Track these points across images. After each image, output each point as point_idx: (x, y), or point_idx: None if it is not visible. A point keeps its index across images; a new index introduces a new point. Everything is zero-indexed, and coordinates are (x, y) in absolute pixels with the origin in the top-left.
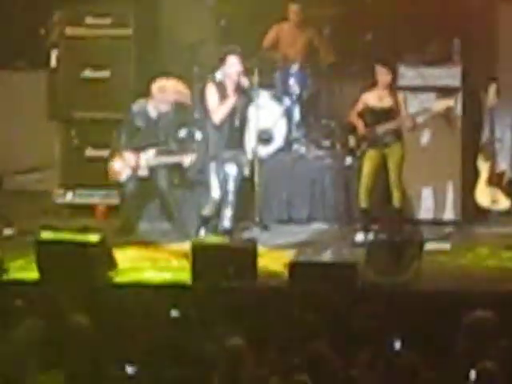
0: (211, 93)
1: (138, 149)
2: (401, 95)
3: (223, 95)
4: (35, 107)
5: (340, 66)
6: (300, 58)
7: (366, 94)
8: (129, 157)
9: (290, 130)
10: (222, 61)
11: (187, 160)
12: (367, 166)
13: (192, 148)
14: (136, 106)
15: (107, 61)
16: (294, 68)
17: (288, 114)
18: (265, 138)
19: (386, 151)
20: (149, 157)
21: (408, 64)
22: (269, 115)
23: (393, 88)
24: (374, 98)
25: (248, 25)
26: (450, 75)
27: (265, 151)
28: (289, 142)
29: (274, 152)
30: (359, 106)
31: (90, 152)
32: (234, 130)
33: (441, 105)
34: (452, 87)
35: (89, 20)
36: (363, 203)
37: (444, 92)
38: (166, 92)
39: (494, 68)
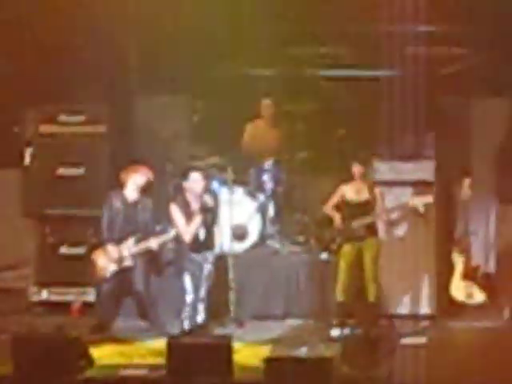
0: (177, 214)
1: (118, 240)
2: (377, 189)
3: (188, 213)
4: (9, 205)
5: (314, 161)
6: (274, 154)
7: (343, 187)
8: (112, 250)
9: (264, 226)
10: (184, 175)
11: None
12: (343, 261)
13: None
14: (113, 195)
15: (81, 158)
16: (268, 164)
17: (262, 209)
18: (239, 233)
19: (362, 245)
20: (129, 246)
21: (381, 158)
22: (243, 211)
23: (369, 182)
24: (352, 191)
25: (222, 121)
26: (423, 169)
27: (239, 247)
28: (263, 238)
29: (248, 248)
30: (335, 199)
31: (64, 249)
32: (198, 243)
33: (419, 201)
34: (425, 181)
35: (62, 118)
36: (340, 297)
37: (418, 186)
38: (138, 176)
39: (467, 162)
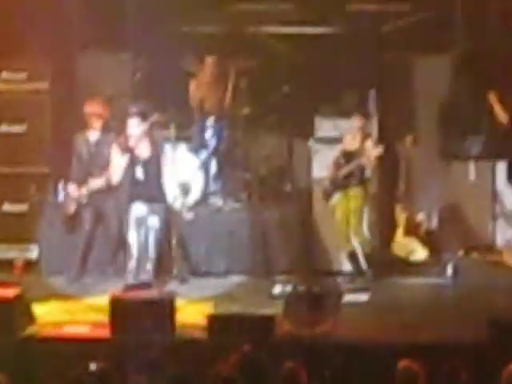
0: (115, 155)
1: (83, 180)
2: (369, 141)
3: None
4: None
5: (257, 118)
6: (216, 110)
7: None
8: (71, 189)
9: (207, 183)
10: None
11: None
12: (338, 211)
13: None
14: (78, 136)
15: (23, 115)
16: (211, 121)
17: (205, 166)
18: (182, 190)
19: (349, 194)
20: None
21: (324, 115)
22: (186, 168)
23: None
24: (348, 142)
25: (164, 78)
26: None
27: (183, 203)
28: (206, 195)
29: (191, 205)
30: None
31: (7, 207)
32: (137, 189)
33: (375, 152)
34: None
35: (4, 75)
36: (346, 247)
37: None
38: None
39: (409, 119)
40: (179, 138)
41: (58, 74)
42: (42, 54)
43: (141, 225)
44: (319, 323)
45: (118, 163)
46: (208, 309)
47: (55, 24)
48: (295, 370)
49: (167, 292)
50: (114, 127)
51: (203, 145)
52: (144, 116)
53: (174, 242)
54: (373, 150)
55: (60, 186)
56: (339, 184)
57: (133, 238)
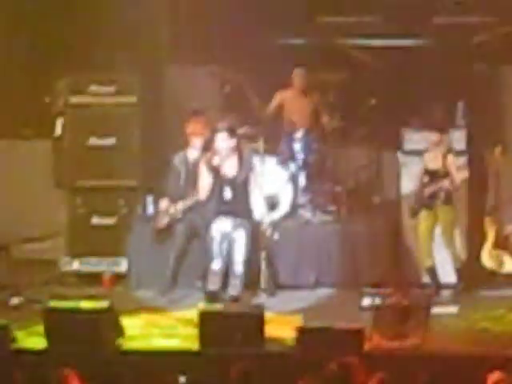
0: (203, 173)
1: (177, 199)
2: (450, 157)
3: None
4: (41, 176)
5: (345, 130)
6: (305, 123)
7: (425, 155)
8: (164, 204)
9: (295, 196)
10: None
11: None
12: (423, 226)
13: None
14: (176, 156)
15: (112, 128)
16: (299, 134)
17: (294, 179)
18: (271, 203)
19: (436, 212)
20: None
21: (413, 128)
22: (275, 181)
23: (443, 149)
24: (428, 159)
25: (253, 91)
26: (454, 139)
27: (271, 217)
28: (295, 208)
29: (280, 218)
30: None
31: (95, 220)
32: (224, 205)
33: (460, 175)
34: (457, 150)
35: (93, 88)
36: (427, 262)
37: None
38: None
39: (499, 130)
40: (268, 152)
41: (147, 87)
42: (130, 67)
43: (225, 240)
44: (409, 336)
45: (204, 181)
46: (297, 322)
47: (144, 36)
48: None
49: (256, 305)
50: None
51: (292, 158)
52: (232, 131)
53: (262, 255)
54: (458, 174)
55: (149, 199)
56: (425, 202)
57: (216, 252)
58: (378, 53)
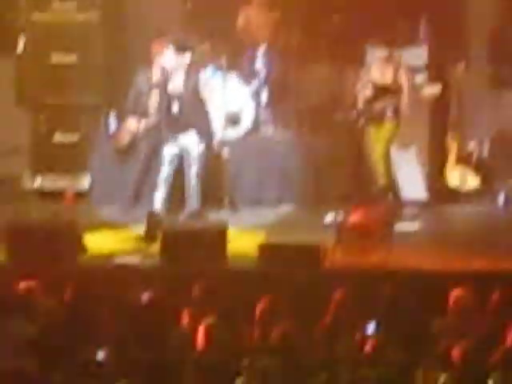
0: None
1: (140, 115)
2: (403, 72)
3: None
4: (3, 93)
5: (307, 46)
6: (267, 39)
7: (371, 69)
8: (130, 122)
9: (258, 112)
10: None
11: None
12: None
13: None
14: (140, 73)
15: (74, 45)
16: (261, 50)
17: (256, 96)
18: (233, 120)
19: (381, 127)
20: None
21: (375, 45)
22: (237, 98)
23: (395, 65)
24: (376, 73)
25: (215, 7)
26: (416, 55)
27: (233, 133)
28: (257, 124)
29: (242, 134)
30: (363, 81)
31: (58, 137)
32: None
33: (430, 90)
34: (419, 66)
35: (55, 5)
36: (380, 180)
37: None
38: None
39: (460, 47)
40: (230, 68)
41: (109, 3)
42: None
43: (175, 159)
44: (372, 252)
45: (152, 98)
46: (260, 238)
47: None
48: None
49: (219, 221)
50: None
51: (254, 74)
52: (180, 48)
53: (224, 171)
54: (428, 89)
55: (112, 117)
56: (373, 117)
57: (164, 170)
58: None
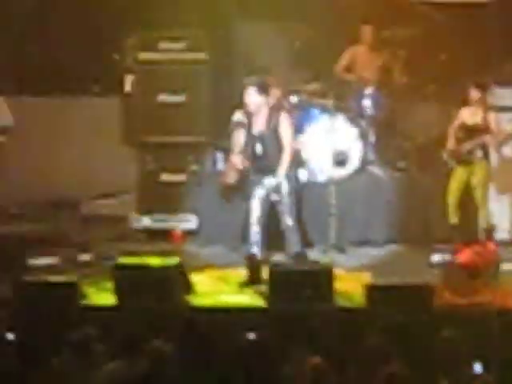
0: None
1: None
2: (492, 113)
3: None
4: (111, 133)
5: (414, 86)
6: (374, 79)
7: (462, 110)
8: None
9: (365, 152)
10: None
11: None
12: (454, 183)
13: None
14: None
15: (182, 85)
16: (369, 90)
17: (363, 135)
18: (340, 160)
19: (472, 168)
20: None
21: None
22: (344, 137)
23: (484, 106)
24: (467, 114)
25: (322, 47)
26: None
27: (340, 173)
28: (364, 164)
29: (349, 174)
30: (456, 122)
31: (165, 177)
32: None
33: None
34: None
35: (163, 45)
36: (452, 219)
37: None
38: None
39: None
40: (337, 108)
41: (216, 43)
42: (198, 23)
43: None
44: (479, 292)
45: (238, 137)
46: (366, 278)
47: None
48: None
49: (325, 262)
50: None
51: (361, 114)
52: (262, 88)
53: (331, 211)
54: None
55: (218, 155)
56: (462, 158)
57: (256, 211)
58: (449, 9)
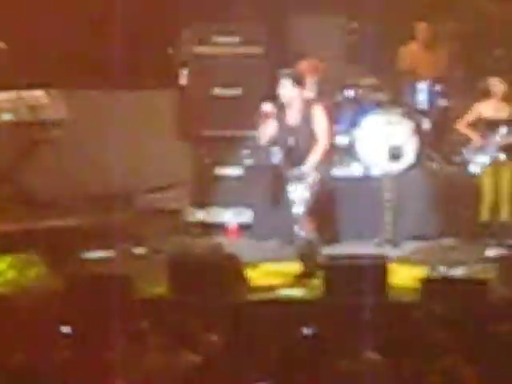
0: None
1: None
2: None
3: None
4: (166, 126)
5: (470, 81)
6: (430, 74)
7: (478, 105)
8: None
9: (420, 147)
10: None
11: None
12: (487, 180)
13: None
14: None
15: (238, 79)
16: (424, 85)
17: (418, 130)
18: (395, 154)
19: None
20: None
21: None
22: (399, 132)
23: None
24: (489, 109)
25: (377, 41)
26: None
27: (395, 168)
28: (419, 159)
29: (404, 168)
30: (470, 117)
31: (220, 170)
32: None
33: None
34: None
35: (218, 38)
36: (484, 216)
37: None
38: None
39: None
40: (392, 102)
41: (272, 37)
42: (254, 16)
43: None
44: None
45: (267, 127)
46: (421, 272)
47: None
48: None
49: (380, 256)
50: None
51: (416, 109)
52: (298, 80)
53: (386, 205)
54: None
55: (274, 149)
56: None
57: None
58: (504, 1)
